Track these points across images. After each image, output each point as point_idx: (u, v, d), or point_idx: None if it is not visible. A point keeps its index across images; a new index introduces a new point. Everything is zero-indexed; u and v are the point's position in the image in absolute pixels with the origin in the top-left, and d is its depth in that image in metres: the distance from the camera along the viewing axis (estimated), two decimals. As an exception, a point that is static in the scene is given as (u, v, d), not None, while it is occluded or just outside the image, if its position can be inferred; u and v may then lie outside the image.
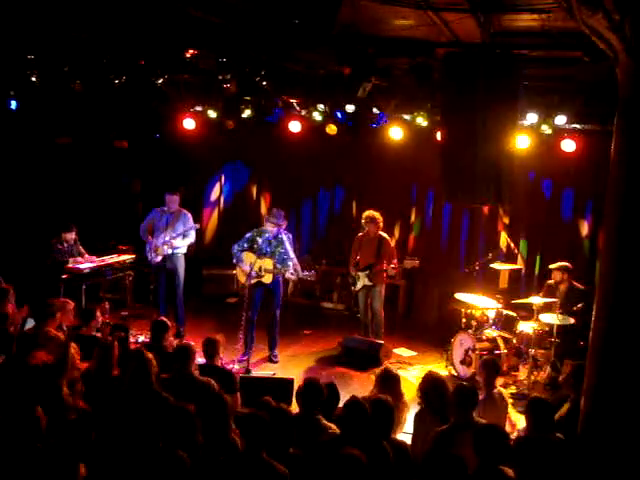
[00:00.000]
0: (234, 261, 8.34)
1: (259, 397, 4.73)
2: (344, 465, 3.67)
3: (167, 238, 8.86)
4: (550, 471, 4.25)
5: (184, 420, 4.10)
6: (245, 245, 8.25)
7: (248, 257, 8.18)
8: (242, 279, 8.32)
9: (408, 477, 4.25)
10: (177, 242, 8.90)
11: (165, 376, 5.34)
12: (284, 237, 8.17)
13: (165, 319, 6.60)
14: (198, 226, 9.18)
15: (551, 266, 8.32)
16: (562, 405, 5.15)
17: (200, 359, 6.12)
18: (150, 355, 5.13)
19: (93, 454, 3.95)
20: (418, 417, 5.07)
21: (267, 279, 8.09)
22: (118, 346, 5.63)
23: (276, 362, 8.36)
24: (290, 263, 8.06)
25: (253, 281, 8.07)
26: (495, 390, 5.73)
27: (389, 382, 5.34)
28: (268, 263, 8.05)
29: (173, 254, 8.96)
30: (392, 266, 8.81)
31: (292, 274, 8.03)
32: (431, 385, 5.05)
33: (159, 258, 8.94)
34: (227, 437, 4.24)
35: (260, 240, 8.15)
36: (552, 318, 7.60)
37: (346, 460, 3.69)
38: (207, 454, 4.07)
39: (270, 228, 8.10)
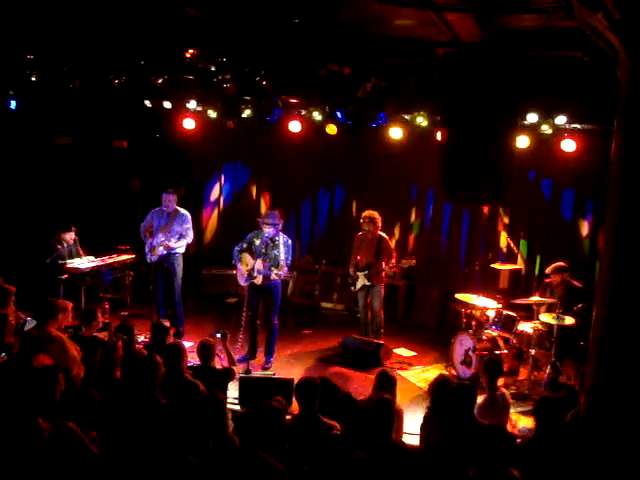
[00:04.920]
0: (233, 262, 8.37)
1: (259, 397, 4.74)
2: (346, 465, 3.67)
3: (163, 239, 8.85)
4: (558, 472, 4.23)
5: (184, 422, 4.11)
6: (244, 246, 8.27)
7: (245, 258, 8.20)
8: (240, 281, 8.37)
9: (409, 477, 4.25)
10: (173, 242, 8.89)
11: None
12: (281, 240, 8.08)
13: (164, 321, 6.59)
14: (190, 225, 9.14)
15: (547, 270, 8.31)
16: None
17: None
18: (159, 359, 5.13)
19: (96, 454, 3.95)
20: (426, 420, 5.04)
21: (258, 280, 8.09)
22: (122, 347, 5.63)
23: (267, 368, 8.17)
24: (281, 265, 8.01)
25: (250, 281, 8.09)
26: (498, 391, 5.73)
27: (387, 383, 5.35)
28: (259, 264, 8.05)
29: (170, 254, 8.94)
30: (390, 265, 8.81)
31: (277, 275, 7.97)
32: (441, 388, 5.03)
33: (156, 258, 8.93)
34: (224, 435, 4.25)
35: (257, 242, 8.18)
36: (549, 318, 7.61)
37: (348, 460, 3.69)
38: (205, 452, 4.08)
39: (267, 230, 8.09)
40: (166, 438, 4.06)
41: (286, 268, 7.96)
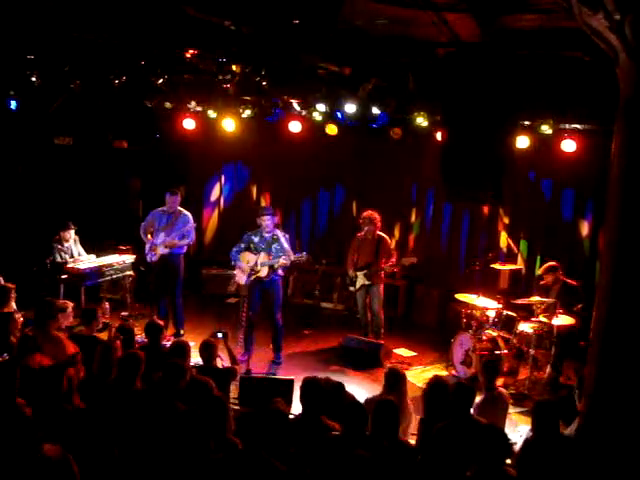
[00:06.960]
0: (232, 263, 8.42)
1: (259, 397, 4.73)
2: (347, 465, 3.67)
3: (165, 238, 8.85)
4: (555, 473, 4.23)
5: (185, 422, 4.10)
6: (242, 246, 8.36)
7: (244, 257, 8.28)
8: (240, 280, 8.38)
9: (411, 477, 4.25)
10: (175, 242, 8.89)
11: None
12: (279, 233, 8.27)
13: (157, 320, 6.60)
14: (195, 225, 9.16)
15: (539, 271, 8.32)
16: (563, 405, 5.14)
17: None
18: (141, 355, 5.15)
19: (91, 453, 3.95)
20: (423, 423, 5.04)
21: (263, 272, 8.15)
22: (121, 347, 5.63)
23: (279, 363, 8.35)
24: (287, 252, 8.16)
25: (252, 277, 8.13)
26: (496, 391, 5.73)
27: (396, 381, 5.35)
28: (263, 257, 8.15)
29: (171, 254, 8.93)
30: (390, 263, 8.82)
31: (285, 259, 8.07)
32: (436, 390, 5.03)
33: (157, 258, 8.93)
34: (225, 436, 4.25)
35: (256, 239, 8.29)
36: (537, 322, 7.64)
37: (350, 460, 3.69)
38: (206, 453, 4.07)
39: (265, 223, 8.17)
40: (167, 439, 4.06)
41: (293, 253, 8.13)
